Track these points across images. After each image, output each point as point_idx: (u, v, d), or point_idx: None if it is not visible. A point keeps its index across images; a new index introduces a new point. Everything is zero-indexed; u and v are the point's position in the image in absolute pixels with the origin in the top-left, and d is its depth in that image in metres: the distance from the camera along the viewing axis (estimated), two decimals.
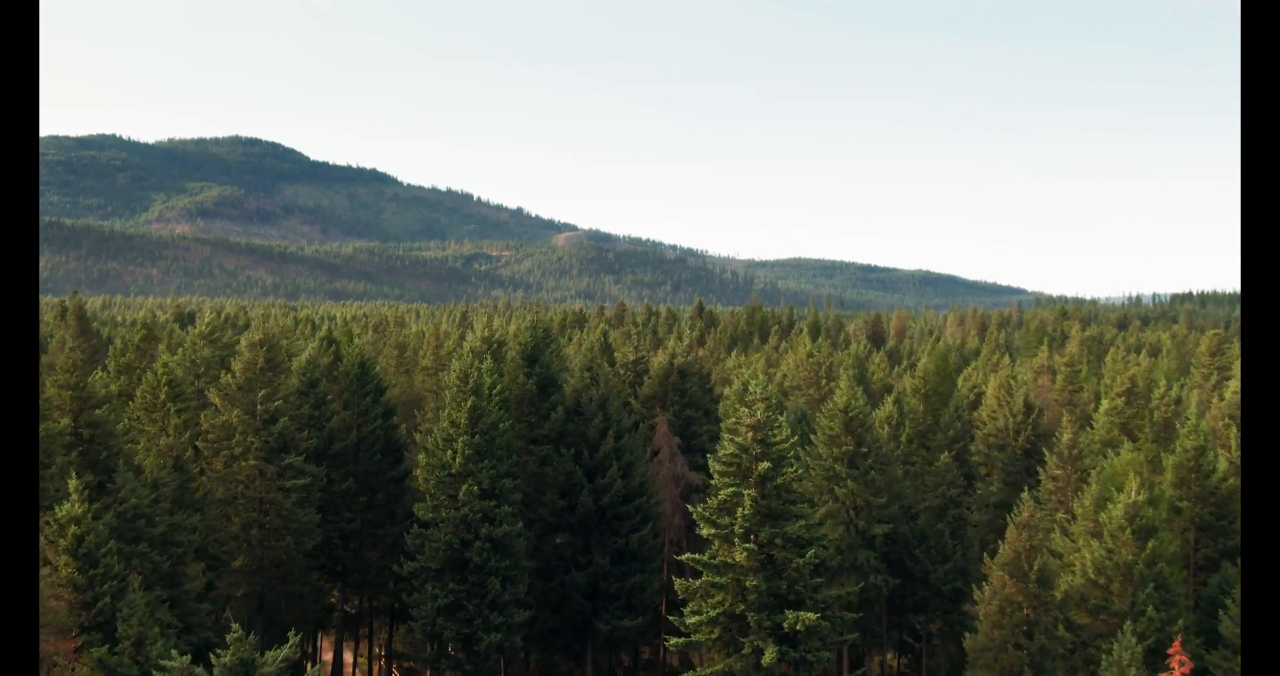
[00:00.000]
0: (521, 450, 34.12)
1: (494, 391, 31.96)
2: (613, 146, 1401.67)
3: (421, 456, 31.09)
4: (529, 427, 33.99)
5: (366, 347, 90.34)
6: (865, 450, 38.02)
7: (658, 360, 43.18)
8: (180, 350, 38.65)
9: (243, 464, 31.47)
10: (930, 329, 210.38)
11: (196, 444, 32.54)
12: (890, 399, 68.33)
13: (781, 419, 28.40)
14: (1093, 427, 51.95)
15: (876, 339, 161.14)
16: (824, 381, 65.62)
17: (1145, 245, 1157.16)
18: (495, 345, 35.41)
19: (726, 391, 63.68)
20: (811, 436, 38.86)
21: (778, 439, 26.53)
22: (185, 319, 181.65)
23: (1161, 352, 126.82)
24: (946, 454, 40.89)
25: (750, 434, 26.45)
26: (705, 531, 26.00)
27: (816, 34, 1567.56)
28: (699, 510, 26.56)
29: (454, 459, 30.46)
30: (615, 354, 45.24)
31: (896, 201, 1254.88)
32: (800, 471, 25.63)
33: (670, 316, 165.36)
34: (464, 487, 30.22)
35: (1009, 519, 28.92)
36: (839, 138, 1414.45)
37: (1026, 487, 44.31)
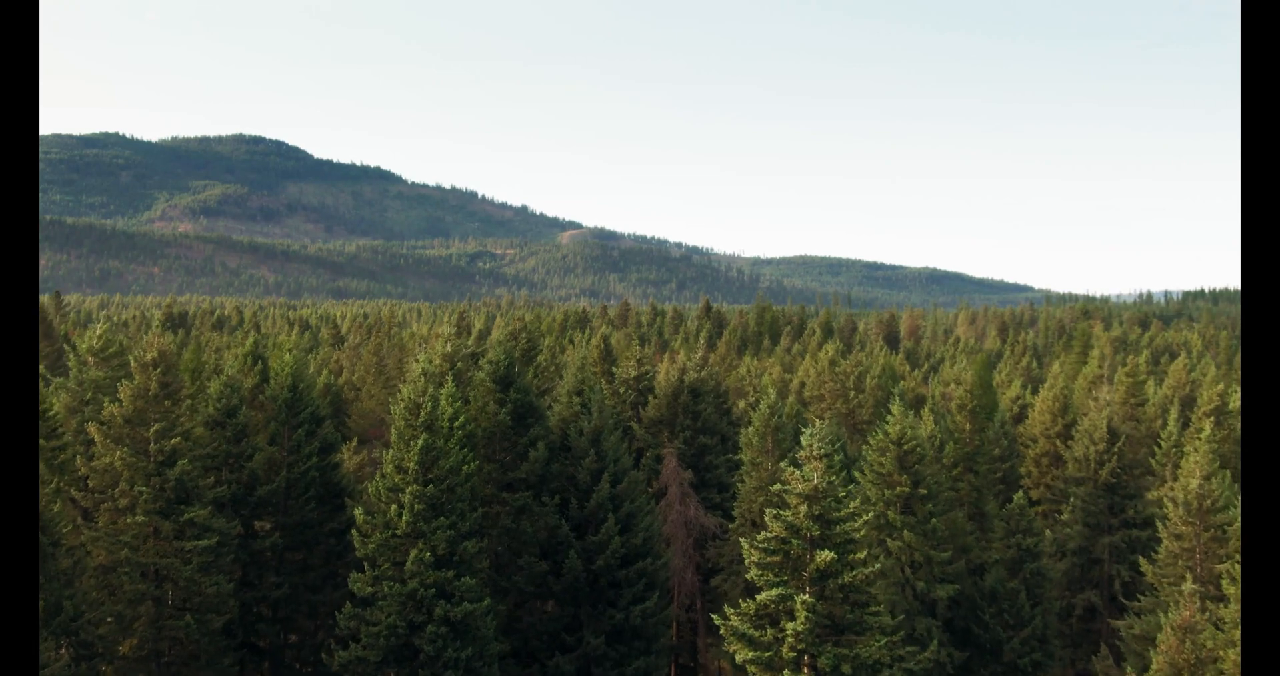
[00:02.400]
0: (492, 499, 26.68)
1: (455, 424, 24.57)
2: (618, 144, 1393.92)
3: (358, 511, 23.77)
4: (501, 470, 26.54)
5: (343, 355, 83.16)
6: (924, 492, 30.49)
7: (664, 377, 35.67)
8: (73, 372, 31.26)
9: (130, 519, 24.25)
10: (945, 328, 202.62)
11: (74, 495, 25.40)
12: (926, 411, 60.75)
13: (852, 489, 20.79)
14: (1178, 454, 44.26)
15: (891, 339, 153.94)
16: (852, 394, 58.04)
17: (1150, 243, 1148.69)
18: (460, 362, 27.88)
19: (741, 404, 56.31)
20: (856, 473, 31.40)
21: (843, 514, 18.90)
22: (176, 319, 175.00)
23: (1192, 353, 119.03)
24: (1020, 494, 33.45)
25: (804, 507, 18.81)
26: (739, 653, 18.24)
27: (820, 32, 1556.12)
28: (730, 620, 18.52)
29: (400, 516, 23.14)
30: (615, 367, 37.73)
31: (902, 199, 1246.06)
32: (875, 566, 18.00)
33: (676, 316, 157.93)
34: (413, 553, 22.90)
35: (1153, 606, 21.30)
36: (845, 135, 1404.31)
37: (1113, 535, 36.73)
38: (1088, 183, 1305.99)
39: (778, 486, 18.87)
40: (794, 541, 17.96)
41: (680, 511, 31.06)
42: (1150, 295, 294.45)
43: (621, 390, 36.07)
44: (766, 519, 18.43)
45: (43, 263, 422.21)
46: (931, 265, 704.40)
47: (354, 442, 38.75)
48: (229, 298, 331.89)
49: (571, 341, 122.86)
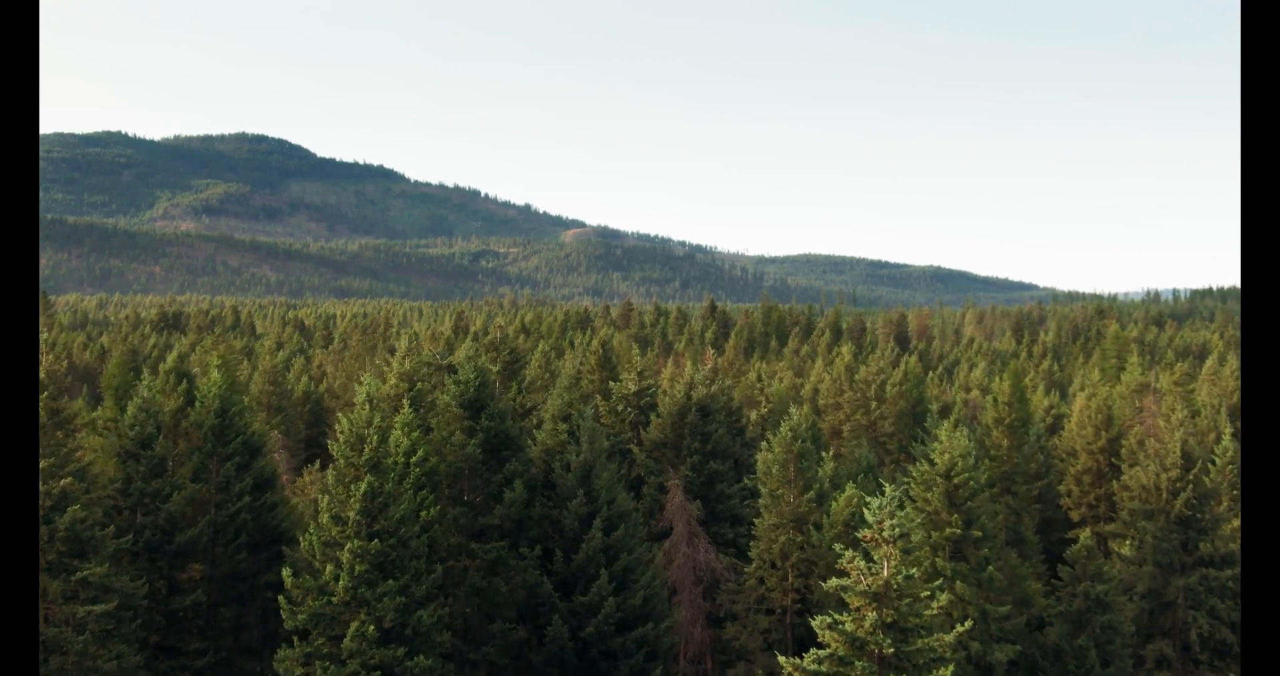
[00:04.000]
0: (458, 551, 21.81)
1: (413, 460, 19.76)
2: (621, 143, 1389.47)
3: (285, 572, 18.97)
4: (471, 515, 21.66)
5: (327, 359, 78.55)
6: (978, 533, 25.56)
7: (668, 384, 30.71)
8: None
9: None
10: (954, 327, 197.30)
11: None
12: (951, 422, 55.68)
13: (936, 591, 15.53)
14: (1234, 471, 39.18)
15: (902, 340, 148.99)
16: (874, 404, 53.20)
17: (1152, 242, 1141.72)
18: (422, 382, 22.91)
19: (753, 415, 51.35)
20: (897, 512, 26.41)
21: (926, 618, 13.70)
22: (171, 320, 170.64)
23: (1215, 355, 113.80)
24: (1087, 531, 28.54)
25: (871, 613, 13.64)
26: None
27: (822, 32, 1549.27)
28: None
29: (337, 579, 18.39)
30: (613, 383, 32.81)
31: (905, 198, 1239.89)
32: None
33: (680, 316, 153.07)
34: (354, 626, 18.15)
35: None
36: (848, 134, 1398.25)
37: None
38: (1089, 182, 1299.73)
39: (834, 582, 13.78)
40: (858, 664, 12.82)
41: (688, 554, 26.16)
42: (1158, 294, 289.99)
43: (620, 408, 31.25)
44: (817, 628, 13.37)
45: (43, 262, 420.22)
46: (936, 263, 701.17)
47: (316, 466, 33.97)
48: (229, 297, 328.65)
49: (571, 343, 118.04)
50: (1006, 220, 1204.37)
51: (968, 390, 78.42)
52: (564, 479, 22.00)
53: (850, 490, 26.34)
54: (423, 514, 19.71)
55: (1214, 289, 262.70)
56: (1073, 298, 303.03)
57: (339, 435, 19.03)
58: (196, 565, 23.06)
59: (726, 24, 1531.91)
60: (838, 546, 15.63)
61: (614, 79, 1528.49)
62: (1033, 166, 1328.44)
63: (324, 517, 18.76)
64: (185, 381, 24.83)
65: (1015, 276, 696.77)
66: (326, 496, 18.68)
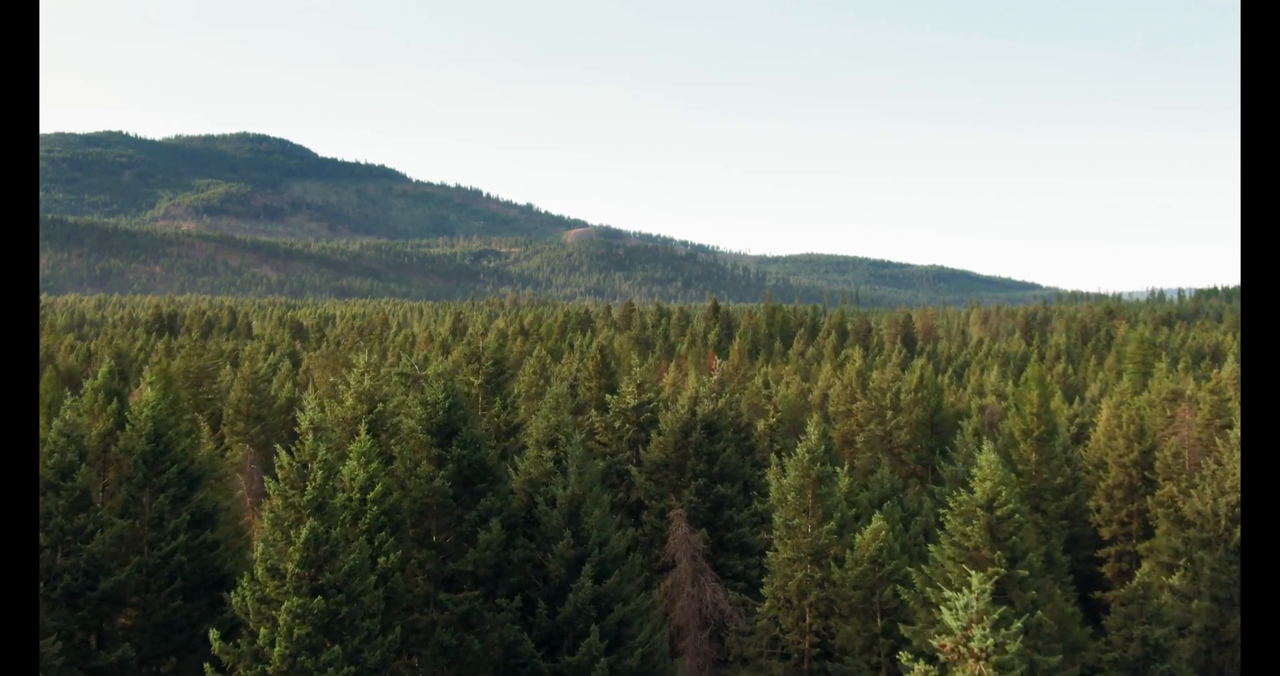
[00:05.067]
0: (423, 602, 18.64)
1: (370, 497, 16.62)
2: (623, 143, 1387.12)
3: (214, 635, 15.84)
4: (439, 559, 18.47)
5: (314, 362, 75.38)
6: (1024, 572, 22.37)
7: (672, 412, 27.49)
8: None
9: None
10: (959, 327, 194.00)
11: None
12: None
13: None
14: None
15: (909, 341, 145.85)
16: (890, 414, 49.93)
17: (1154, 241, 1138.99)
18: (383, 404, 19.67)
19: (761, 425, 48.18)
20: (932, 548, 23.27)
21: None
22: (167, 321, 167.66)
23: (1231, 357, 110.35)
24: (1146, 565, 25.33)
25: None
26: None
27: (823, 32, 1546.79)
28: None
29: (272, 643, 15.28)
30: (609, 396, 29.61)
31: (907, 197, 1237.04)
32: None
33: (683, 317, 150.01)
34: None
35: None
36: (849, 134, 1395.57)
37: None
38: (1089, 182, 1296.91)
39: None
40: None
41: (693, 594, 23.00)
42: (1163, 293, 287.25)
43: (618, 424, 28.08)
44: None
45: (43, 262, 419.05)
46: (938, 263, 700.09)
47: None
48: (229, 297, 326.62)
49: (571, 345, 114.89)
50: (1007, 220, 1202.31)
51: (982, 395, 75.10)
52: (548, 516, 18.83)
53: (877, 521, 23.15)
54: (380, 560, 16.60)
55: (1219, 288, 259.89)
56: (1076, 297, 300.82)
57: (277, 470, 15.88)
58: (125, 614, 19.97)
59: (727, 24, 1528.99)
60: (904, 657, 12.38)
61: (615, 79, 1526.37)
62: (1033, 166, 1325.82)
63: (259, 569, 15.62)
64: (116, 400, 21.71)
65: (1018, 276, 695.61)
66: (261, 545, 15.55)
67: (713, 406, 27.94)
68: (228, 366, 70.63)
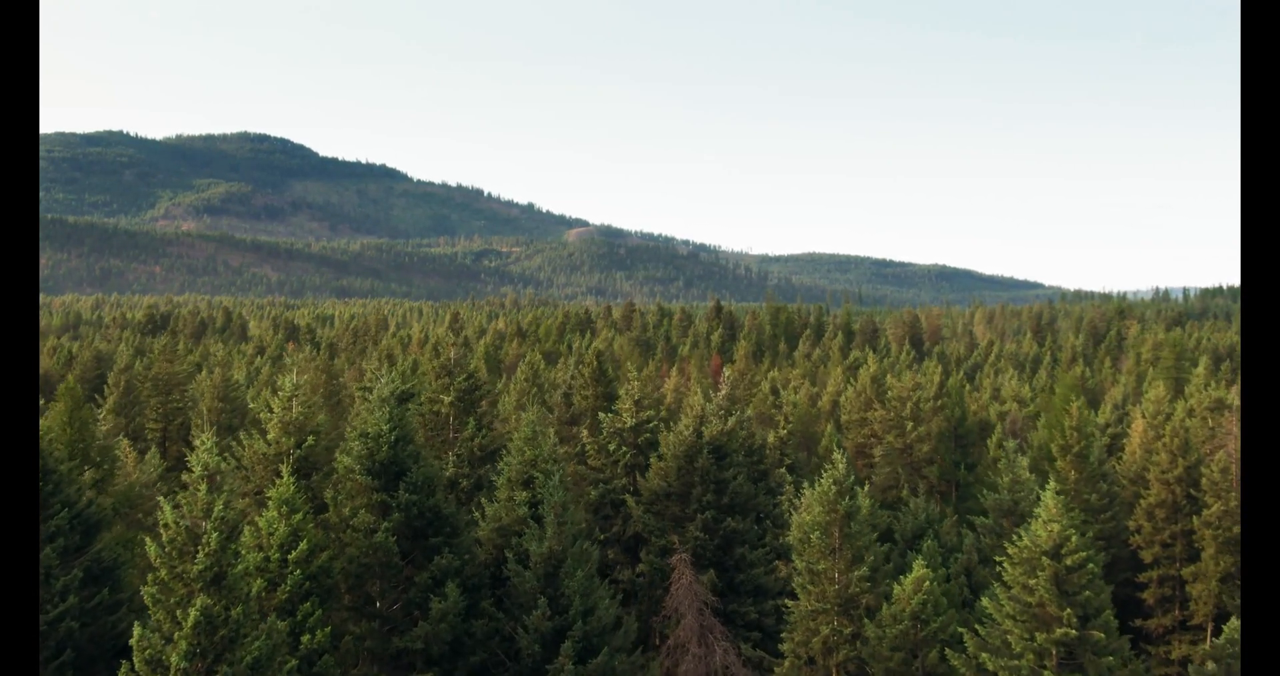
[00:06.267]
0: None
1: (293, 558, 12.96)
2: (624, 143, 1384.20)
3: None
4: (382, 633, 14.74)
5: (303, 366, 71.79)
6: (1098, 634, 18.66)
7: (675, 433, 23.74)
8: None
9: None
10: (964, 326, 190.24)
11: None
12: (990, 444, 48.68)
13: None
14: None
15: (916, 342, 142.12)
16: (910, 425, 46.18)
17: (1155, 240, 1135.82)
18: (313, 439, 15.77)
19: (771, 437, 44.48)
20: (985, 600, 19.52)
21: None
22: (159, 322, 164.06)
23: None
24: (1235, 623, 21.67)
25: None
26: None
27: (824, 32, 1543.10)
28: None
29: None
30: (603, 414, 25.84)
31: (908, 197, 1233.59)
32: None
33: (685, 317, 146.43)
34: None
35: None
36: (851, 134, 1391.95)
37: None
38: (1089, 181, 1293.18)
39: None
40: None
41: (700, 656, 19.30)
42: (1167, 292, 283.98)
43: (612, 446, 24.37)
44: None
45: (43, 262, 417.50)
46: (940, 262, 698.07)
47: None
48: (229, 297, 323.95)
49: (570, 347, 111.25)
50: (1008, 219, 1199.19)
51: (1001, 402, 71.28)
52: (520, 578, 15.10)
53: (919, 569, 19.39)
54: (305, 639, 12.95)
55: (1224, 287, 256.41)
56: (1080, 296, 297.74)
57: (160, 530, 12.15)
58: None
59: (727, 24, 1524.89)
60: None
61: (616, 78, 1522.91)
62: (1034, 165, 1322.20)
63: (137, 660, 11.96)
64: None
65: (1019, 275, 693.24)
66: (139, 629, 11.86)
67: (721, 426, 24.21)
68: (207, 371, 67.00)
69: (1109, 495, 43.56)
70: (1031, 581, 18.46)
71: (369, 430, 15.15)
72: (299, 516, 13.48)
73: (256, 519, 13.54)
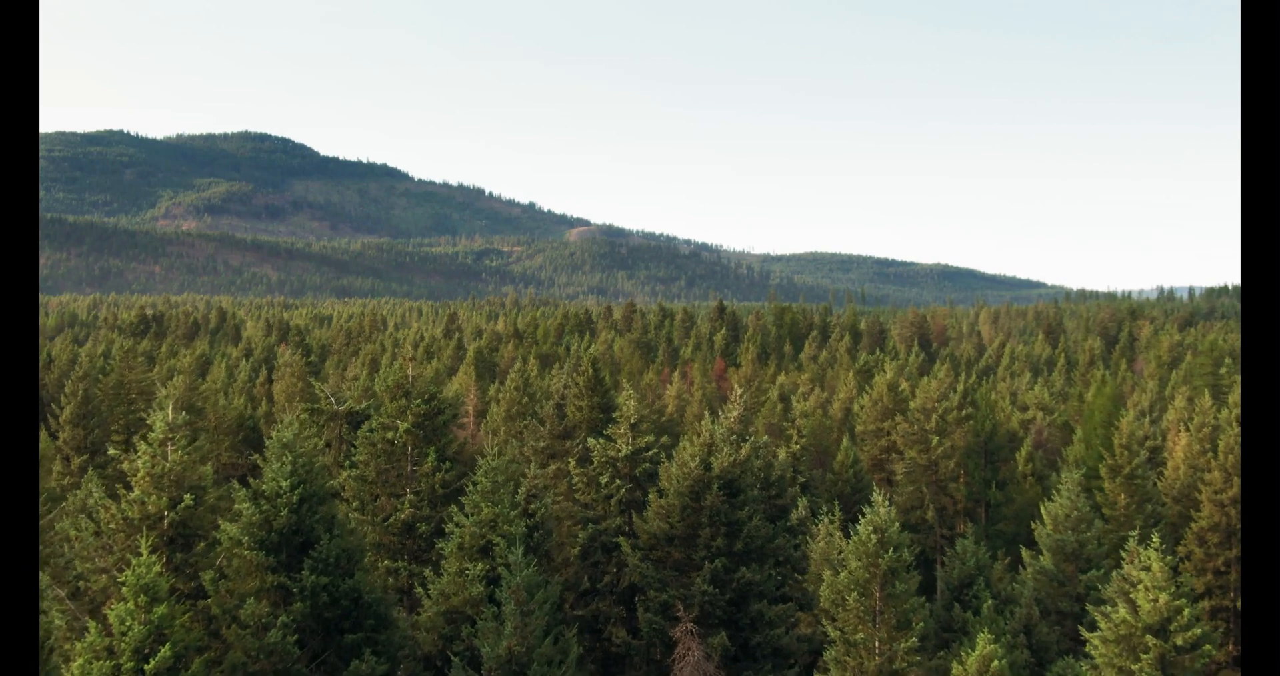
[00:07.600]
0: None
1: (150, 669, 9.20)
2: (625, 142, 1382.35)
3: None
4: None
5: (283, 370, 67.97)
6: None
7: (679, 464, 19.86)
8: None
9: None
10: (970, 326, 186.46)
11: None
12: (1019, 459, 44.77)
13: None
14: None
15: (925, 343, 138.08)
16: (935, 440, 42.27)
17: (1156, 239, 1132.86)
18: (189, 496, 11.77)
19: (782, 454, 40.69)
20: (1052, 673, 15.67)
21: None
22: (152, 322, 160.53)
23: None
24: None
25: None
26: None
27: (825, 31, 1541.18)
28: None
29: None
30: (593, 440, 21.95)
31: (910, 196, 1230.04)
32: None
33: (687, 318, 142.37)
34: None
35: None
36: (853, 133, 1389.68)
37: None
38: (1090, 180, 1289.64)
39: None
40: None
41: None
42: (1172, 292, 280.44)
43: (604, 479, 20.52)
44: None
45: (43, 262, 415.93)
46: (942, 261, 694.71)
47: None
48: (228, 297, 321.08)
49: (568, 349, 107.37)
50: (1011, 218, 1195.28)
51: (1023, 409, 67.26)
52: None
53: (985, 645, 15.50)
54: None
55: (1229, 287, 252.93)
56: (1085, 296, 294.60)
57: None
58: None
59: (729, 24, 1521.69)
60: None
61: (617, 78, 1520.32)
62: (1035, 165, 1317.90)
63: None
64: None
65: (1022, 274, 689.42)
66: None
67: (734, 456, 20.32)
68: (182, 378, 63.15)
69: (1154, 516, 39.65)
70: (1134, 666, 14.55)
71: (264, 487, 11.19)
72: (161, 609, 9.66)
73: (107, 610, 9.79)
